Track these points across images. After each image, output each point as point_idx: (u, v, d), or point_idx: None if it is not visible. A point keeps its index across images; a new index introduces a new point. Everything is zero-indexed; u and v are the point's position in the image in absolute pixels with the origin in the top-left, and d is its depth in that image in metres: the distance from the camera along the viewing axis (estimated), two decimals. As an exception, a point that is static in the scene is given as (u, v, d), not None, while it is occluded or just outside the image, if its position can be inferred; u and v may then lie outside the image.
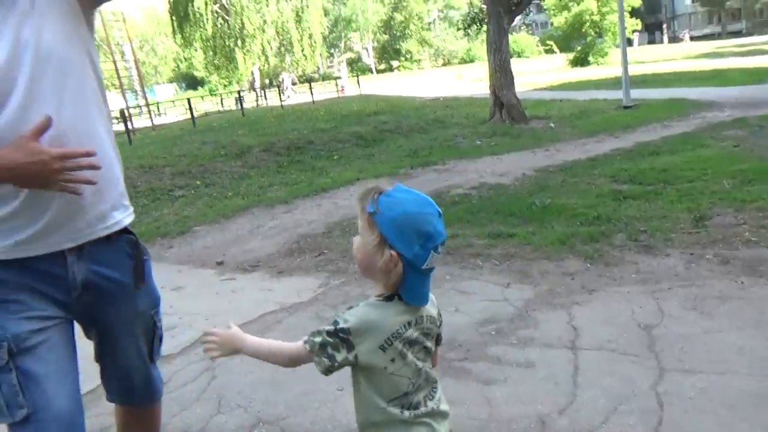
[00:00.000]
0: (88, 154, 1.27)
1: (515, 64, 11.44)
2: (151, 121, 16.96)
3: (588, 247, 3.80)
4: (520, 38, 54.49)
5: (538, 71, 27.19)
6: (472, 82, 25.61)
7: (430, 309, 1.23)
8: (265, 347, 1.27)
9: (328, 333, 1.14)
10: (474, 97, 17.14)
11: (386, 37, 63.69)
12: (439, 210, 1.16)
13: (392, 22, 62.27)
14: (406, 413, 1.18)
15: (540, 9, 37.00)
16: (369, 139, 9.90)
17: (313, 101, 19.59)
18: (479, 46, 55.01)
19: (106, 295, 1.45)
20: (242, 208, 6.22)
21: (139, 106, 19.91)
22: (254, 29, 25.17)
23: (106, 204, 1.42)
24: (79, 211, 1.35)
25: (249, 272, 4.29)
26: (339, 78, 29.51)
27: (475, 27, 12.03)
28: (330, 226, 5.10)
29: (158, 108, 18.30)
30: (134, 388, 1.65)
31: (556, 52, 31.14)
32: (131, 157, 9.24)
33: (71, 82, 1.32)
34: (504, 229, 4.38)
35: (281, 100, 19.65)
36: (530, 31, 59.91)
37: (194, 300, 3.89)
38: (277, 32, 26.65)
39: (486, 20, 11.09)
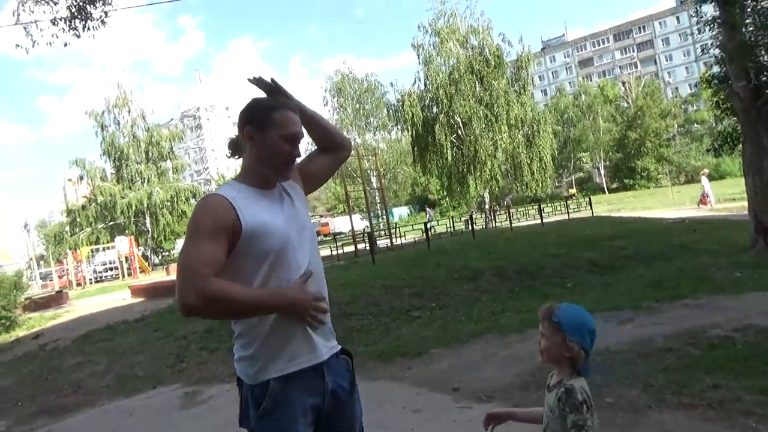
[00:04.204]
0: (323, 299, 1.87)
1: (780, 181, 10.06)
2: (391, 242, 18.62)
3: None
4: (783, 150, 47.93)
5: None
6: (724, 202, 23.07)
7: None
8: None
9: (586, 411, 1.68)
10: (727, 219, 15.37)
11: (619, 155, 61.53)
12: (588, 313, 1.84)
13: (626, 141, 60.19)
14: None
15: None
16: (604, 266, 9.45)
17: (542, 223, 19.53)
18: (730, 161, 49.74)
19: (342, 401, 1.87)
20: (475, 334, 6.35)
21: (380, 229, 22.14)
22: (486, 155, 26.61)
23: (331, 330, 1.95)
24: (330, 335, 1.92)
25: (485, 402, 4.31)
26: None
27: (728, 146, 11.03)
28: (567, 361, 4.92)
29: (398, 230, 20.06)
30: None
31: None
32: (375, 276, 10.19)
33: (314, 243, 1.98)
34: (782, 385, 3.74)
35: (510, 223, 20.02)
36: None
37: (433, 425, 4.03)
38: (508, 157, 27.76)
39: (741, 139, 10.16)
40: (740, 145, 10.28)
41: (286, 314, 1.76)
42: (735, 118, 10.55)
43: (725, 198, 23.92)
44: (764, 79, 10.12)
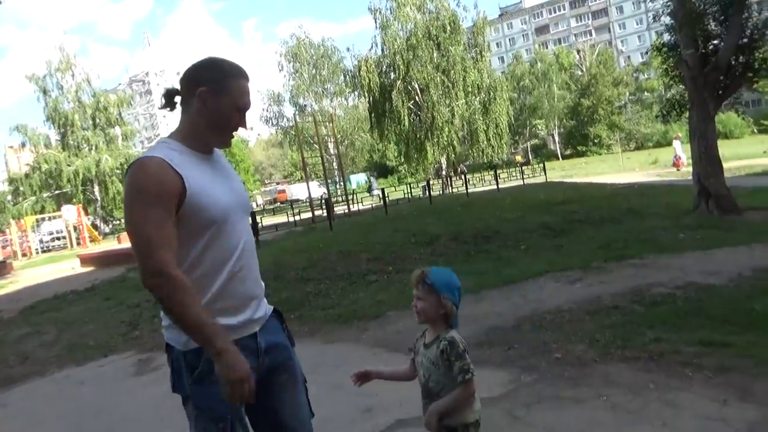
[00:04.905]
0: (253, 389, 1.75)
1: (723, 146, 10.51)
2: (348, 208, 18.60)
3: (829, 366, 3.27)
4: (727, 118, 49.80)
5: (751, 154, 24.50)
6: (670, 167, 23.90)
7: None
8: (448, 402, 1.92)
9: (466, 360, 1.89)
10: (673, 184, 15.95)
11: (573, 122, 62.74)
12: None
13: (579, 108, 61.35)
14: None
15: (750, 87, 33.62)
16: (557, 230, 9.69)
17: (498, 189, 19.83)
18: (677, 128, 51.42)
19: (278, 353, 1.89)
20: (431, 296, 6.43)
21: (338, 195, 22.07)
22: (443, 122, 26.69)
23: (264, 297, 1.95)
24: (263, 305, 1.91)
25: (439, 361, 4.40)
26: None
27: (675, 113, 11.36)
28: (519, 320, 5.06)
29: (356, 196, 20.03)
30: None
31: (773, 132, 27.82)
32: (332, 242, 10.18)
33: (248, 214, 2.00)
34: (718, 337, 3.95)
35: (467, 188, 20.24)
36: (739, 111, 54.48)
37: (388, 384, 4.09)
38: (465, 123, 27.91)
39: (687, 106, 10.48)
40: (687, 112, 10.60)
41: (215, 360, 1.62)
42: (683, 86, 10.85)
43: (672, 164, 24.76)
44: (711, 47, 10.42)
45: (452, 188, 24.10)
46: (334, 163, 27.29)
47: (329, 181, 23.30)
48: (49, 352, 6.57)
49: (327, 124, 26.49)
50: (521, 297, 5.89)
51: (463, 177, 23.08)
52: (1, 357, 6.66)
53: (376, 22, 28.79)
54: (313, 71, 38.54)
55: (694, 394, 3.22)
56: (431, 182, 21.90)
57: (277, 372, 1.90)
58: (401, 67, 27.26)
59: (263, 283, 1.94)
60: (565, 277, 6.47)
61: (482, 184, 22.77)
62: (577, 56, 69.51)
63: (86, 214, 36.59)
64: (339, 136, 32.20)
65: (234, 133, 1.86)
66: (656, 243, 7.78)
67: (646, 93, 64.51)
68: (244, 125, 1.83)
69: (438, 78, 26.95)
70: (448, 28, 27.45)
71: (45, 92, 40.68)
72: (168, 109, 1.85)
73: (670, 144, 52.63)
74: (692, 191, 10.35)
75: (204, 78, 1.77)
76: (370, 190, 28.40)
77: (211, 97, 1.75)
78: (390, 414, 3.46)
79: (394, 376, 2.23)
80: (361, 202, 20.38)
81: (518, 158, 51.60)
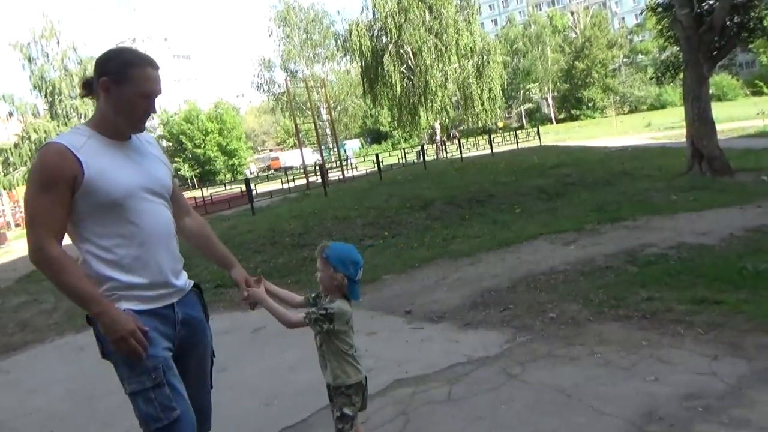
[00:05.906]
0: (146, 332, 1.84)
1: (716, 108, 10.51)
2: (343, 174, 18.55)
3: (817, 321, 3.35)
4: (720, 80, 49.50)
5: (744, 116, 24.47)
6: (663, 130, 23.88)
7: None
8: (279, 311, 2.15)
9: (321, 315, 2.09)
10: (666, 146, 15.96)
11: (567, 86, 62.20)
12: (357, 250, 2.23)
13: (573, 71, 60.73)
14: (355, 356, 2.22)
15: (745, 48, 33.33)
16: (551, 193, 9.73)
17: (492, 153, 19.80)
18: (671, 91, 51.19)
19: (193, 327, 2.02)
20: (427, 260, 6.50)
21: (332, 161, 21.94)
22: (436, 86, 26.40)
23: (183, 271, 2.06)
24: (181, 278, 2.02)
25: (436, 323, 4.47)
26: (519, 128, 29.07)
27: (669, 75, 11.30)
28: (514, 281, 5.12)
29: (349, 163, 19.94)
30: (206, 416, 2.11)
31: (766, 94, 27.75)
32: (328, 208, 10.19)
33: (167, 200, 2.05)
34: (709, 295, 4.02)
35: (461, 153, 20.19)
36: (733, 73, 54.10)
37: (387, 346, 4.17)
38: (458, 88, 27.63)
39: (682, 67, 10.41)
40: (681, 74, 10.55)
41: (103, 329, 1.78)
42: (677, 47, 10.76)
43: (665, 126, 24.74)
44: (706, 7, 10.30)
45: (446, 153, 24.03)
46: (327, 130, 27.07)
47: (323, 147, 23.16)
48: (48, 319, 6.61)
49: (319, 89, 26.19)
50: (516, 259, 5.95)
51: (457, 141, 22.99)
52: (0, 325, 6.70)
53: (366, -17, 28.19)
54: (304, 36, 37.80)
55: (686, 351, 3.29)
56: (425, 147, 21.81)
57: (190, 343, 2.02)
58: (393, 30, 26.80)
59: (182, 258, 2.04)
60: (559, 239, 6.53)
61: (476, 148, 22.72)
62: (571, 18, 68.42)
63: (78, 183, 36.23)
64: (332, 101, 31.86)
65: (146, 120, 1.95)
66: (649, 204, 7.84)
67: (640, 55, 63.87)
68: (153, 110, 1.93)
69: (431, 41, 26.54)
70: (439, -12, 26.91)
71: (30, 60, 39.82)
72: (89, 97, 1.96)
73: (663, 107, 52.56)
74: (685, 153, 10.37)
75: (105, 69, 1.86)
76: (347, 159, 28.27)
77: (113, 86, 1.84)
78: (388, 374, 3.53)
79: (285, 298, 2.35)
80: (356, 167, 20.32)
81: (501, 124, 50.93)
